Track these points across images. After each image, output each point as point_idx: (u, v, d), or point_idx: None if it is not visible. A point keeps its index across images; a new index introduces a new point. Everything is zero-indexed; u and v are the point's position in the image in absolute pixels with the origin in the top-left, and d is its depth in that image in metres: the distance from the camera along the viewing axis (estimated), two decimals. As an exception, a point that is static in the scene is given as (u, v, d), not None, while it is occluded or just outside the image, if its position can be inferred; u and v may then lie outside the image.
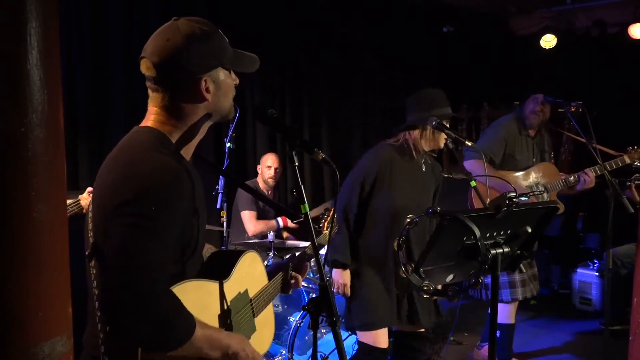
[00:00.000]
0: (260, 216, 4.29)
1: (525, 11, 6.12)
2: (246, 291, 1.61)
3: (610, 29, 5.78)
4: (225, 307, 1.49)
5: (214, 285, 1.46)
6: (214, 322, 1.44)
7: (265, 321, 1.70)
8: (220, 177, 3.58)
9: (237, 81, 1.51)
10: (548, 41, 5.71)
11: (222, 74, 1.44)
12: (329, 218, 2.13)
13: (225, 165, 3.55)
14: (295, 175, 1.47)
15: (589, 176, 3.49)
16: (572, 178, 3.55)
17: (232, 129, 3.55)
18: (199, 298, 1.39)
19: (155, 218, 1.23)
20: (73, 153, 3.81)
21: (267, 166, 4.38)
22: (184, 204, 1.32)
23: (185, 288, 1.34)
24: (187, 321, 1.27)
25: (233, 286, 1.54)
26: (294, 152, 1.47)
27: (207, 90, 1.40)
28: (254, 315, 1.63)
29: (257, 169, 4.48)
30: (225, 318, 1.49)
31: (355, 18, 5.54)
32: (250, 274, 1.65)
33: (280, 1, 4.99)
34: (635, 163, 3.43)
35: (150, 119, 1.42)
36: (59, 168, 0.98)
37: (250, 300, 1.62)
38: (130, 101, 4.06)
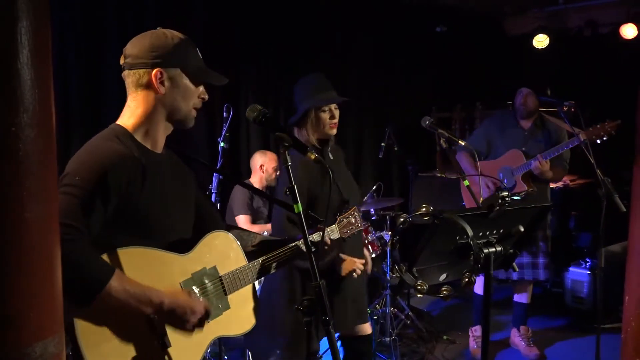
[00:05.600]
0: (254, 218, 4.25)
1: (519, 11, 6.14)
2: (214, 268, 1.67)
3: (602, 29, 5.82)
4: (182, 278, 1.56)
5: (169, 256, 1.54)
6: (169, 289, 1.52)
7: (242, 300, 1.74)
8: (214, 177, 3.56)
9: (204, 96, 1.64)
10: (540, 41, 5.74)
11: (183, 77, 1.57)
12: (347, 213, 2.11)
13: (218, 165, 3.53)
14: (288, 175, 1.47)
15: (537, 161, 3.62)
16: (536, 162, 3.67)
17: (225, 128, 3.53)
18: (146, 265, 1.49)
19: (78, 186, 1.42)
20: (66, 152, 3.80)
21: (273, 167, 4.24)
22: (114, 181, 1.45)
23: (129, 252, 1.46)
24: (101, 269, 1.39)
25: (195, 261, 1.61)
26: (287, 152, 1.47)
27: (161, 82, 1.54)
28: (226, 293, 1.68)
29: (261, 169, 4.27)
30: (186, 287, 1.56)
31: (349, 18, 5.54)
32: (220, 252, 1.71)
33: (276, 2, 4.98)
34: (597, 140, 3.42)
35: (121, 115, 1.62)
36: (51, 168, 0.98)
37: (220, 277, 1.67)
38: (123, 101, 4.03)
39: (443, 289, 1.69)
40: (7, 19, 0.89)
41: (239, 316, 1.72)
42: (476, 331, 4.02)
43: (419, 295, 5.04)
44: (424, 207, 1.62)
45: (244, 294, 1.74)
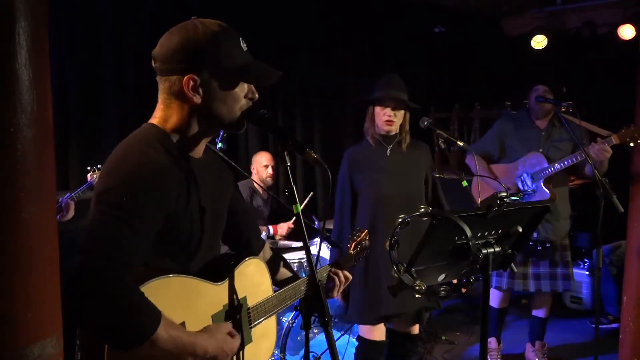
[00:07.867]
0: None
1: (517, 12, 6.15)
2: (244, 298, 1.56)
3: (601, 29, 5.83)
4: (214, 310, 1.45)
5: (204, 285, 1.43)
6: (201, 323, 1.40)
7: (264, 333, 1.64)
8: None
9: (253, 95, 1.45)
10: (538, 42, 5.74)
11: (219, 78, 1.37)
12: (359, 239, 2.05)
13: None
14: (287, 175, 1.47)
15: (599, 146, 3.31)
16: (557, 165, 3.49)
17: (223, 129, 3.53)
18: (184, 295, 1.36)
19: (129, 209, 1.23)
20: (64, 153, 3.79)
21: (264, 165, 4.26)
22: (165, 199, 1.31)
23: (168, 282, 1.31)
24: (150, 316, 1.23)
25: (227, 290, 1.50)
26: (285, 153, 1.46)
27: (195, 90, 1.35)
28: (251, 326, 1.58)
29: (252, 169, 4.33)
30: (218, 321, 1.45)
31: (348, 17, 5.54)
32: (251, 282, 1.60)
33: (274, 1, 4.98)
34: (630, 144, 3.29)
35: (155, 115, 1.43)
36: (49, 168, 0.98)
37: (248, 309, 1.57)
38: (121, 101, 4.03)
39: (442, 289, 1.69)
40: (5, 20, 0.88)
41: (258, 350, 1.62)
42: (490, 343, 3.80)
43: (417, 296, 5.04)
44: (422, 207, 1.62)
45: (265, 327, 1.65)
